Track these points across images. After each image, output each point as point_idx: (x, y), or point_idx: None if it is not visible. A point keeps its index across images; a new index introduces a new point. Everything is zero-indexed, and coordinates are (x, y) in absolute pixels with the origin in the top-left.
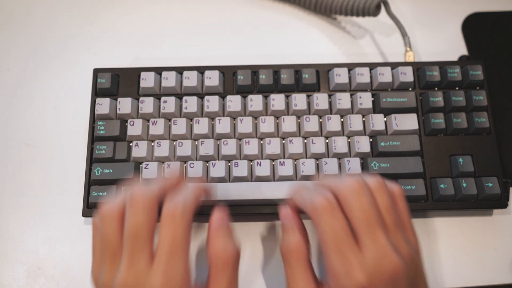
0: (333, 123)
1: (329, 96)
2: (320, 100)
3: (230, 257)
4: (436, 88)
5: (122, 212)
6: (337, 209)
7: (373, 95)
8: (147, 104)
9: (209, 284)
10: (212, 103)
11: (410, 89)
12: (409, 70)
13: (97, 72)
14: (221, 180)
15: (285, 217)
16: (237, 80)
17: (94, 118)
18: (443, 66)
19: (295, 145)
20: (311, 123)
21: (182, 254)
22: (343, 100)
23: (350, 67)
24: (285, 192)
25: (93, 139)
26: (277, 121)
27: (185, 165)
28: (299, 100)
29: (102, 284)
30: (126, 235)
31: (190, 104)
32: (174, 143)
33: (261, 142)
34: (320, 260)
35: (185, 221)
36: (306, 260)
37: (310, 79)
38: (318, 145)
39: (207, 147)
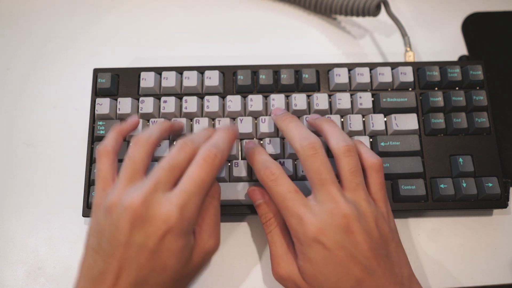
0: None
1: (329, 96)
2: (320, 100)
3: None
4: (436, 88)
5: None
6: (280, 177)
7: (373, 95)
8: (147, 104)
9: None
10: (212, 103)
11: (410, 89)
12: (409, 70)
13: (97, 72)
14: (221, 180)
15: (253, 194)
16: (237, 80)
17: (94, 118)
18: (443, 66)
19: None
20: None
21: (204, 193)
22: (343, 100)
23: (350, 67)
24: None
25: (93, 139)
26: None
27: None
28: (299, 100)
29: (110, 199)
30: (162, 163)
31: (190, 104)
32: (174, 143)
33: (261, 142)
34: None
35: (220, 166)
36: (281, 226)
37: (310, 79)
38: None
39: None
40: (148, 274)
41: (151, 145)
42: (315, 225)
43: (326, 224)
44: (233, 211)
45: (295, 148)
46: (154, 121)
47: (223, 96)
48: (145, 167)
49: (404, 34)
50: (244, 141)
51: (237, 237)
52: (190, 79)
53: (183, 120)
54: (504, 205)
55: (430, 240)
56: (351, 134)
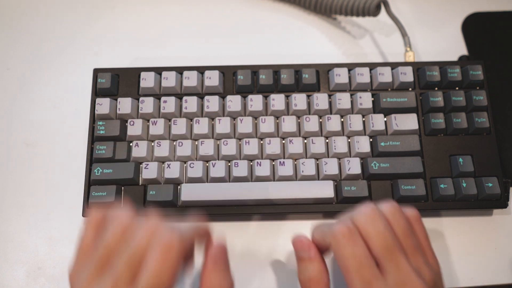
0: (333, 123)
1: (329, 96)
2: (320, 100)
3: None
4: (436, 88)
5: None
6: (357, 235)
7: (373, 95)
8: (147, 104)
9: None
10: (212, 103)
11: (410, 89)
12: (409, 70)
13: (97, 72)
14: (221, 180)
15: (299, 246)
16: (237, 80)
17: (94, 118)
18: (443, 66)
19: (295, 145)
20: (311, 123)
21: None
22: (343, 100)
23: (350, 67)
24: (285, 193)
25: (93, 139)
26: (277, 121)
27: (185, 165)
28: (299, 100)
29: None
30: (123, 257)
31: (190, 104)
32: (174, 143)
33: (261, 142)
34: None
35: (177, 257)
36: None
37: (310, 79)
38: (318, 145)
39: (207, 147)
40: None
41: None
42: None
43: None
44: (233, 211)
45: (355, 220)
46: (154, 121)
47: (223, 96)
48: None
49: (404, 34)
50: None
51: (237, 237)
52: (190, 79)
53: (183, 121)
54: (504, 205)
55: (430, 240)
56: (351, 134)
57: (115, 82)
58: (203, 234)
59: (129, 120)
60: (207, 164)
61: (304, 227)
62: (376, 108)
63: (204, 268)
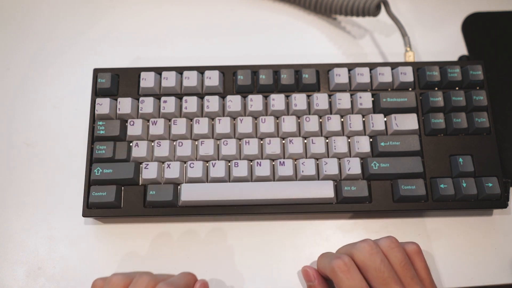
0: (333, 123)
1: (329, 96)
2: (320, 100)
3: None
4: (436, 88)
5: None
6: (353, 268)
7: (373, 95)
8: (147, 104)
9: None
10: (212, 103)
11: (410, 89)
12: (409, 70)
13: (97, 72)
14: (221, 180)
15: (306, 276)
16: (237, 80)
17: (94, 118)
18: (443, 66)
19: (295, 145)
20: (311, 123)
21: None
22: (343, 100)
23: (350, 67)
24: (285, 193)
25: (93, 139)
26: (277, 121)
27: (185, 165)
28: (299, 100)
29: None
30: None
31: (190, 104)
32: (174, 143)
33: (261, 142)
34: None
35: None
36: None
37: (310, 79)
38: (318, 145)
39: (207, 147)
40: None
41: None
42: None
43: None
44: (233, 211)
45: (353, 255)
46: (154, 121)
47: (223, 96)
48: None
49: (404, 34)
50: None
51: (237, 237)
52: (190, 79)
53: (183, 121)
54: (504, 205)
55: (430, 240)
56: (351, 134)
57: (115, 82)
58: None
59: (129, 120)
60: (207, 164)
61: (304, 227)
62: (376, 108)
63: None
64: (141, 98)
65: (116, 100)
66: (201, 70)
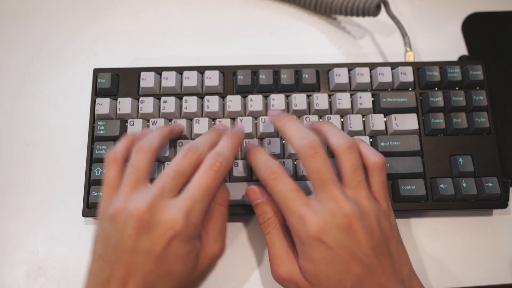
0: (333, 123)
1: (329, 96)
2: (320, 100)
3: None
4: (436, 88)
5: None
6: (281, 175)
7: (373, 95)
8: (147, 104)
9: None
10: (212, 103)
11: (410, 89)
12: (409, 70)
13: (97, 72)
14: None
15: (253, 194)
16: (237, 80)
17: (94, 118)
18: (443, 66)
19: None
20: None
21: (209, 200)
22: (343, 100)
23: (350, 67)
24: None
25: (93, 139)
26: None
27: None
28: (299, 100)
29: (115, 205)
30: (168, 169)
31: (190, 104)
32: (174, 143)
33: (261, 142)
34: None
35: (226, 173)
36: (280, 226)
37: (310, 79)
38: None
39: None
40: (155, 280)
41: (153, 152)
42: (317, 225)
43: (327, 223)
44: (233, 211)
45: (295, 148)
46: (154, 121)
47: (223, 96)
48: (148, 174)
49: (404, 34)
50: (245, 141)
51: (236, 238)
52: (190, 79)
53: (183, 121)
54: (504, 205)
55: (430, 240)
56: (351, 134)
57: (115, 82)
58: (241, 141)
59: (129, 120)
60: None
61: None
62: (376, 108)
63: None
64: (141, 98)
65: (116, 100)
66: (201, 70)
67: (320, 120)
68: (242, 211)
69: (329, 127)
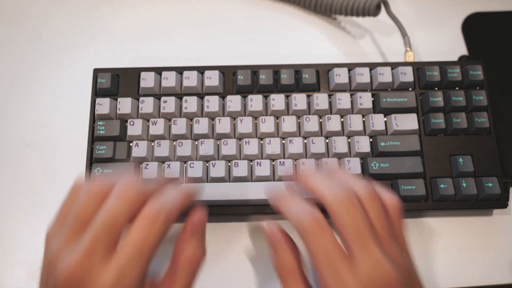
0: (333, 123)
1: (329, 96)
2: (320, 100)
3: (198, 263)
4: (436, 88)
5: (107, 194)
6: (325, 227)
7: (373, 95)
8: (147, 104)
9: (168, 282)
10: (212, 103)
11: (410, 89)
12: (409, 70)
13: (97, 72)
14: (221, 180)
15: (271, 234)
16: (237, 80)
17: (94, 118)
18: (443, 66)
19: (295, 145)
20: (311, 123)
21: (146, 259)
22: (343, 100)
23: (350, 67)
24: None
25: (93, 139)
26: (277, 121)
27: (185, 165)
28: (299, 100)
29: (53, 249)
30: (99, 218)
31: (190, 104)
32: (174, 143)
33: (261, 142)
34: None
35: (164, 227)
36: (300, 275)
37: (310, 79)
38: (318, 145)
39: (207, 147)
40: None
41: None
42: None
43: (369, 286)
44: (233, 211)
45: (327, 201)
46: (154, 121)
47: (223, 96)
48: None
49: (404, 34)
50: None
51: (236, 237)
52: (190, 79)
53: (183, 120)
54: (504, 205)
55: (430, 240)
56: (351, 134)
57: (115, 82)
58: (190, 198)
59: (129, 120)
60: (207, 164)
61: None
62: (376, 108)
63: (182, 235)
64: (141, 98)
65: (116, 100)
66: (201, 70)
67: (320, 120)
68: (242, 211)
69: (324, 179)
